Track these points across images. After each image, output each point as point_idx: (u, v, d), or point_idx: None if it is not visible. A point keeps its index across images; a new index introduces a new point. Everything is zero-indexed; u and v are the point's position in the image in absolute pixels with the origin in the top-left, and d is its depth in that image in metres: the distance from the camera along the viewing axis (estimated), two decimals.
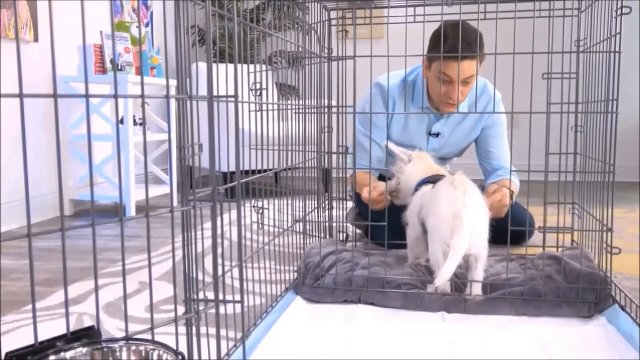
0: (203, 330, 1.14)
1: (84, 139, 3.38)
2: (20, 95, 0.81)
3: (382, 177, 2.41)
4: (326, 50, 2.17)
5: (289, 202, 2.02)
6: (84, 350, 0.89)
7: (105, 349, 0.91)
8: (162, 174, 3.74)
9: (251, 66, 3.45)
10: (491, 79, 2.16)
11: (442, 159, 2.57)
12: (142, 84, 0.98)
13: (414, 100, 2.33)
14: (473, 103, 2.31)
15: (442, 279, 1.57)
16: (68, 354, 0.88)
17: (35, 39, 3.08)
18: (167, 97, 1.01)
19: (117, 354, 0.92)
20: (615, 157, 1.64)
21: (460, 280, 1.73)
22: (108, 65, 3.32)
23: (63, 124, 3.33)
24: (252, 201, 1.88)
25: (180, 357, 0.91)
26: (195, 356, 1.08)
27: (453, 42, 1.90)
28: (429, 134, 2.38)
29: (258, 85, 1.73)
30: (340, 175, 2.28)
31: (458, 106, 2.25)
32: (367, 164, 2.26)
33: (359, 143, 2.31)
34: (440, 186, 1.75)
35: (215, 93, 1.08)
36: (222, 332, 1.42)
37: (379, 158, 2.35)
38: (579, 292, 1.64)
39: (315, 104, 2.12)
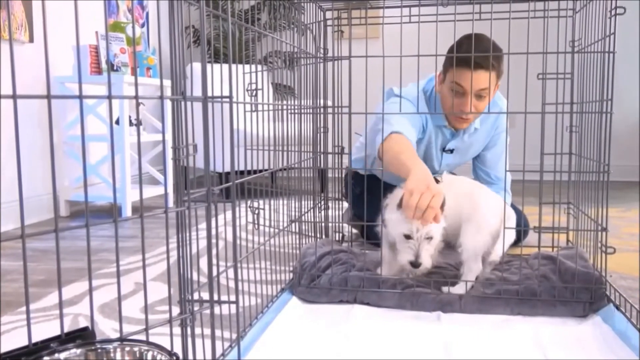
0: (198, 331, 1.14)
1: (79, 140, 3.37)
2: (14, 97, 0.81)
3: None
4: (322, 51, 2.17)
5: (285, 202, 2.02)
6: (78, 351, 0.89)
7: (99, 350, 0.91)
8: (158, 174, 3.73)
9: (247, 66, 3.45)
10: None
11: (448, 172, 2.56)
12: (136, 84, 0.98)
13: (432, 115, 2.26)
14: (485, 117, 2.29)
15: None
16: (62, 355, 0.88)
17: (31, 40, 3.08)
18: (162, 97, 1.01)
19: (111, 354, 0.92)
20: (610, 156, 1.64)
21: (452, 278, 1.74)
22: (104, 65, 3.31)
23: (59, 124, 3.33)
24: (248, 201, 1.88)
25: (174, 357, 0.91)
26: (190, 357, 1.08)
27: (468, 50, 1.87)
28: (443, 150, 2.35)
29: (254, 86, 1.73)
30: (337, 176, 2.28)
31: (472, 122, 2.21)
32: (405, 128, 2.02)
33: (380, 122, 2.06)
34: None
35: (210, 93, 1.08)
36: (218, 332, 1.43)
37: (414, 134, 2.10)
38: (574, 291, 1.65)
39: (311, 104, 2.12)
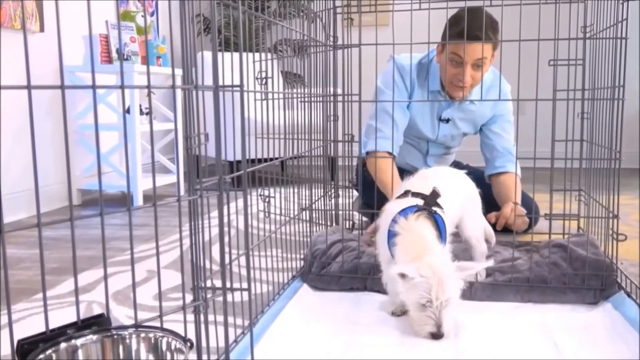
0: (211, 318, 1.15)
1: (90, 129, 3.39)
2: (29, 87, 0.81)
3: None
4: (331, 39, 2.17)
5: (296, 190, 2.03)
6: (95, 337, 0.91)
7: (115, 336, 0.93)
8: (169, 163, 3.75)
9: (256, 55, 3.45)
10: (497, 65, 2.15)
11: (447, 148, 2.56)
12: (148, 73, 0.99)
13: (428, 83, 2.32)
14: (485, 93, 2.29)
15: None
16: (79, 341, 0.89)
17: (41, 29, 3.09)
18: (173, 87, 1.02)
19: (127, 341, 0.93)
20: (622, 143, 1.63)
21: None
22: (114, 55, 3.32)
23: (69, 114, 3.34)
24: (259, 190, 1.89)
25: (188, 343, 0.93)
26: (204, 343, 1.09)
27: (466, 24, 1.90)
28: (439, 119, 2.37)
29: (264, 74, 1.73)
30: (347, 164, 2.28)
31: (470, 92, 2.23)
32: (384, 144, 2.22)
33: (380, 116, 2.26)
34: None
35: (220, 82, 1.08)
36: (230, 319, 1.44)
37: (397, 141, 2.32)
38: (585, 278, 1.65)
39: (321, 92, 2.12)
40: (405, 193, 1.64)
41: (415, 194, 1.61)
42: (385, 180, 2.10)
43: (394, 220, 1.51)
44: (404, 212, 1.52)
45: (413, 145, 2.50)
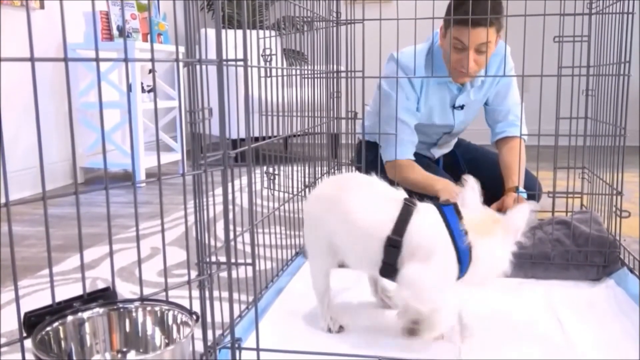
0: (216, 294, 1.16)
1: (92, 107, 3.38)
2: (32, 59, 0.81)
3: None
4: (335, 14, 2.15)
5: (299, 167, 2.03)
6: (101, 310, 0.91)
7: (121, 310, 0.93)
8: (171, 141, 3.74)
9: (260, 33, 3.43)
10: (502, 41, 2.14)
11: (455, 134, 2.54)
12: (152, 48, 0.98)
13: (436, 73, 2.26)
14: (489, 68, 2.26)
15: None
16: (85, 314, 0.89)
17: (42, 7, 3.07)
18: (177, 60, 1.01)
19: (133, 314, 0.94)
20: (627, 120, 1.62)
21: None
22: (115, 32, 3.30)
23: (71, 92, 3.33)
24: (263, 167, 1.89)
25: (194, 317, 0.93)
26: (209, 319, 1.10)
27: (467, 8, 1.86)
28: (454, 107, 2.34)
29: (268, 51, 1.72)
30: (350, 142, 2.27)
31: (477, 73, 2.19)
32: (405, 149, 2.20)
33: (387, 130, 2.18)
34: None
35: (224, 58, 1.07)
36: (234, 295, 1.45)
37: (413, 142, 2.29)
38: (588, 255, 1.65)
39: (323, 69, 2.11)
40: None
41: None
42: (418, 178, 2.13)
43: None
44: None
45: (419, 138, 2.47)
